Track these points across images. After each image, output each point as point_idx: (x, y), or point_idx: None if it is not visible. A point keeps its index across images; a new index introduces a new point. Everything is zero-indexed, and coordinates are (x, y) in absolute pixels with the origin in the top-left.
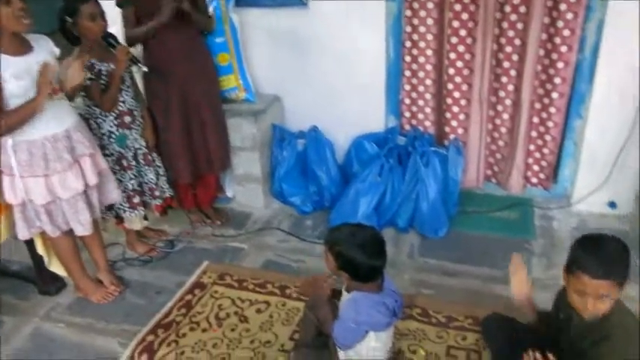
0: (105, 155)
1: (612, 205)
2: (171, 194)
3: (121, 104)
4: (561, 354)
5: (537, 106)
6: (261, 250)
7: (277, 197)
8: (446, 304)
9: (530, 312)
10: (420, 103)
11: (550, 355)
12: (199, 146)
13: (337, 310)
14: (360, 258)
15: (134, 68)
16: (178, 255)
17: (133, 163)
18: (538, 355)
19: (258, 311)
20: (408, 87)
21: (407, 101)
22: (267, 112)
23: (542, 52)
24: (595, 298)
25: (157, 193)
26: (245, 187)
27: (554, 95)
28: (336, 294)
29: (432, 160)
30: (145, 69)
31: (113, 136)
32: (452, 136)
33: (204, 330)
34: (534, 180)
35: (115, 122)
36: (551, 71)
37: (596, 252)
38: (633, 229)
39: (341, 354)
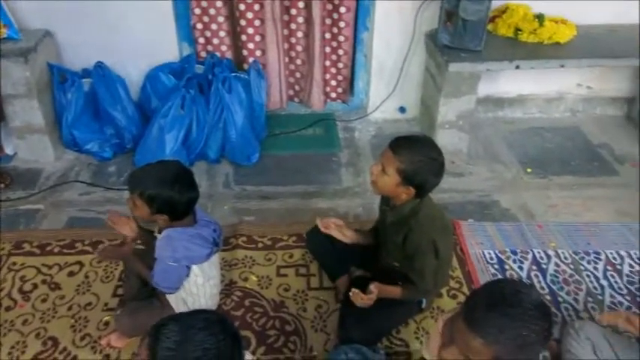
0: None
1: (402, 110)
2: None
3: None
4: (383, 254)
5: (328, 21)
6: (61, 207)
7: (70, 146)
8: (269, 227)
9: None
10: (214, 27)
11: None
12: None
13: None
14: (177, 195)
15: None
16: None
17: None
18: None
19: (71, 274)
20: (198, 11)
21: (199, 26)
22: (39, 50)
23: None
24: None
25: None
26: (27, 140)
27: (342, 9)
28: (146, 236)
29: (234, 85)
30: None
31: None
32: (251, 59)
33: (8, 308)
34: (333, 95)
35: None
36: None
37: (404, 136)
38: (421, 130)
39: (171, 298)
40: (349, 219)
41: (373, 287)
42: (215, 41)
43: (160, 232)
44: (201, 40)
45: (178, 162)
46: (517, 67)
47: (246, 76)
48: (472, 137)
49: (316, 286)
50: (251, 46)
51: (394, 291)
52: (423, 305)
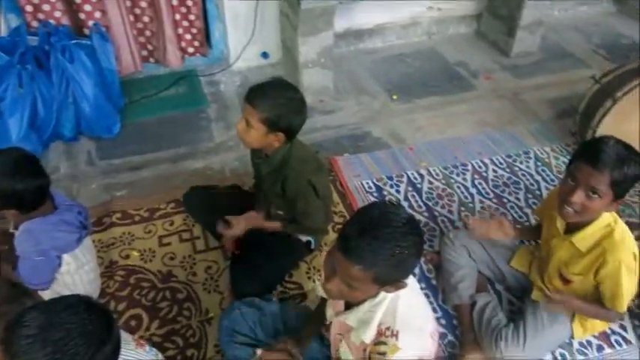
0: None
1: (265, 55)
2: None
3: None
4: (266, 205)
5: None
6: None
7: None
8: (143, 198)
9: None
10: None
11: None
12: None
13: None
14: (20, 186)
15: None
16: None
17: None
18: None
19: None
20: None
21: None
22: None
23: None
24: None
25: None
26: None
27: None
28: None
29: (76, 54)
30: None
31: None
32: (91, 23)
33: None
34: (191, 50)
35: None
36: None
37: (256, 85)
38: (286, 72)
39: (46, 295)
40: (226, 174)
41: (233, 220)
42: (45, 7)
43: (16, 228)
44: (29, 9)
45: (16, 149)
46: None
47: (89, 42)
48: (337, 73)
49: (202, 249)
50: (88, 8)
51: (272, 224)
52: (312, 246)
